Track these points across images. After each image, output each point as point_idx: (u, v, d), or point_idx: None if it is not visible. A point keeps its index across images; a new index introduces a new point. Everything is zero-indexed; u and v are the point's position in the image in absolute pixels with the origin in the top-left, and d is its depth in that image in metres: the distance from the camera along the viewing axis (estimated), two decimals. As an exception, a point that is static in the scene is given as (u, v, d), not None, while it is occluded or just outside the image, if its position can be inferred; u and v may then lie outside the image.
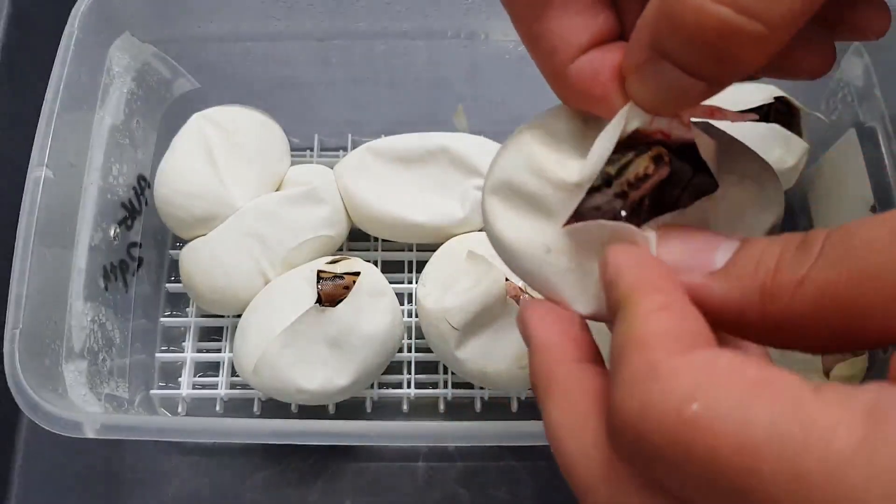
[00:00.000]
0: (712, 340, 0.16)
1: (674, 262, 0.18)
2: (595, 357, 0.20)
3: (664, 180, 0.20)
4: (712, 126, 0.22)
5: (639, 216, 0.20)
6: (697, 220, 0.20)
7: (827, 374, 0.39)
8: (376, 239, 0.46)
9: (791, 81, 0.43)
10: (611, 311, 0.18)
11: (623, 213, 0.20)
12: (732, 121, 0.20)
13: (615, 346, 0.16)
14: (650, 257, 0.18)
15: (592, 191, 0.20)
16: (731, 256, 0.17)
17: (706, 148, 0.20)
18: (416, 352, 0.43)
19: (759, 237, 0.18)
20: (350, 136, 0.49)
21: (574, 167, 0.20)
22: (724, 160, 0.21)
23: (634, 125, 0.19)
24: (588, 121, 0.21)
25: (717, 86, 0.18)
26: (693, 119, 0.20)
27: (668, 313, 0.16)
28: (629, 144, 0.20)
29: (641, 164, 0.20)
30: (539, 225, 0.21)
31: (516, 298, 0.36)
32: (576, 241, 0.20)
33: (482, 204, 0.22)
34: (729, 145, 0.22)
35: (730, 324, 0.17)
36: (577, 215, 0.21)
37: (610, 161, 0.20)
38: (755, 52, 0.17)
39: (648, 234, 0.19)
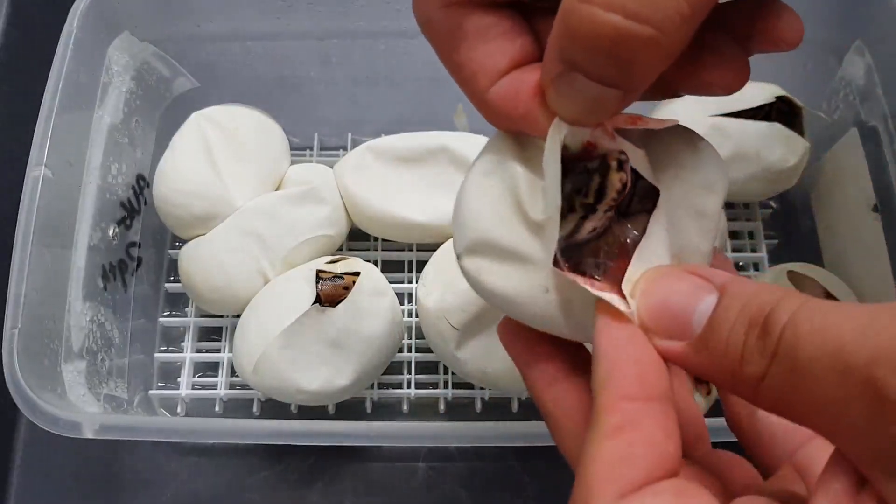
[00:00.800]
0: (660, 461, 0.17)
1: (654, 327, 0.18)
2: (573, 368, 0.21)
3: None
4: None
5: (614, 230, 0.21)
6: (661, 234, 0.20)
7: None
8: (376, 239, 0.46)
9: (793, 80, 0.43)
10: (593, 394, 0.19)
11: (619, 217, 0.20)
12: (654, 128, 0.20)
13: (580, 461, 0.18)
14: (628, 344, 0.19)
15: (582, 219, 0.20)
16: (706, 320, 0.18)
17: (636, 158, 0.20)
18: (416, 352, 0.43)
19: (736, 288, 0.17)
20: (350, 135, 0.48)
21: (537, 204, 0.20)
22: (658, 155, 0.21)
23: (562, 137, 0.19)
24: (525, 143, 0.21)
25: (631, 93, 0.18)
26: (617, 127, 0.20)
27: (619, 440, 0.17)
28: (576, 165, 0.20)
29: (615, 179, 0.20)
30: (529, 269, 0.21)
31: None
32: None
33: (461, 265, 0.21)
34: (661, 135, 0.21)
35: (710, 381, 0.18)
36: (576, 244, 0.20)
37: (582, 191, 0.20)
38: (651, 56, 0.17)
39: (632, 306, 0.19)
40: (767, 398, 0.16)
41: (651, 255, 0.20)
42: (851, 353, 0.14)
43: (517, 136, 0.22)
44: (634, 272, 0.20)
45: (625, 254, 0.20)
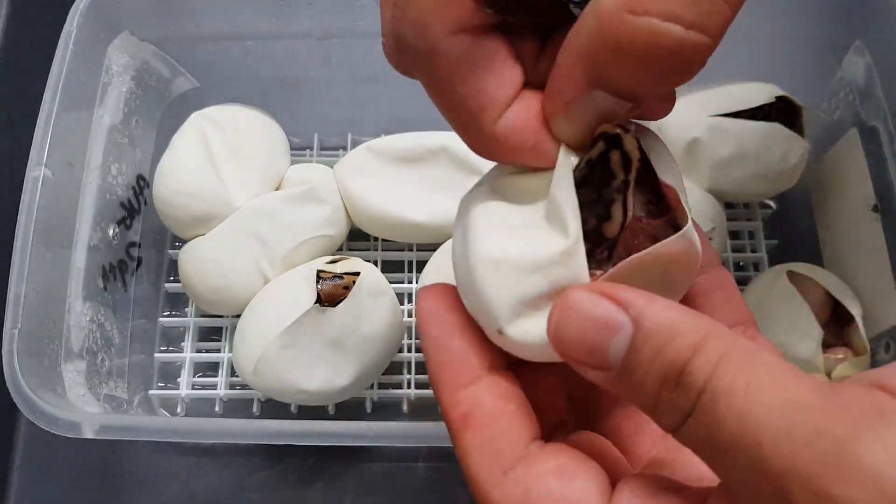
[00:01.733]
0: (514, 427, 0.19)
1: (573, 360, 0.18)
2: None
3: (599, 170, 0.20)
4: None
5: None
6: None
7: (829, 374, 0.39)
8: (376, 239, 0.46)
9: (793, 80, 0.43)
10: None
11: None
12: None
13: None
14: (443, 336, 0.20)
15: (623, 202, 0.20)
16: (621, 358, 0.17)
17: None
18: (416, 352, 0.43)
19: (649, 323, 0.17)
20: (350, 135, 0.48)
21: (555, 234, 0.19)
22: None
23: (573, 166, 0.19)
24: (504, 191, 0.21)
25: (643, 102, 0.18)
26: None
27: (472, 430, 0.19)
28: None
29: (630, 142, 0.19)
30: None
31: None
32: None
33: (509, 339, 0.20)
34: None
35: None
36: (596, 247, 0.20)
37: (605, 182, 0.20)
38: (699, 62, 0.17)
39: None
40: (683, 441, 0.16)
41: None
42: (768, 457, 0.14)
43: (494, 189, 0.21)
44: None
45: (651, 222, 0.20)
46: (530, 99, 0.19)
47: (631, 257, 0.19)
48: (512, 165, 0.21)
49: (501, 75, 0.19)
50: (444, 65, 0.19)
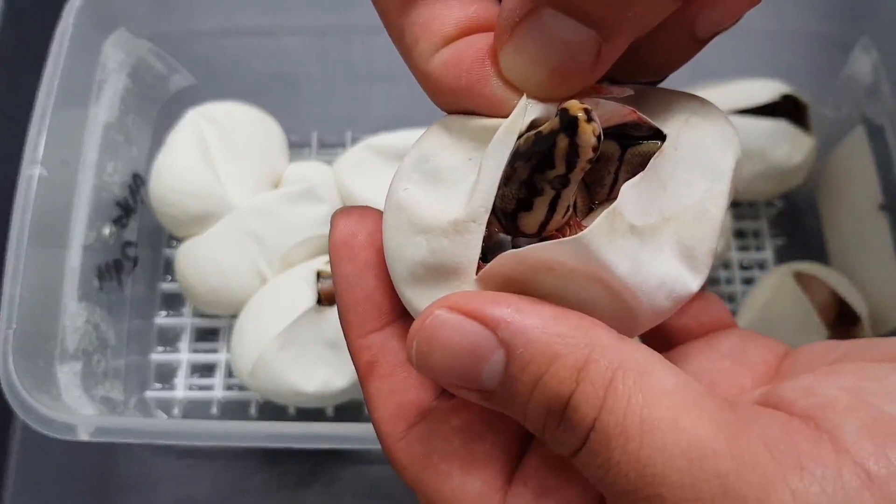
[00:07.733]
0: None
1: (443, 383, 0.16)
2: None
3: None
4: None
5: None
6: (655, 182, 0.17)
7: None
8: (376, 238, 0.45)
9: (798, 77, 0.43)
10: None
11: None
12: (618, 95, 0.17)
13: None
14: (353, 281, 0.19)
15: (552, 202, 0.16)
16: (498, 384, 0.15)
17: (621, 111, 0.17)
18: (416, 352, 0.42)
19: (521, 346, 0.15)
20: (349, 132, 0.48)
21: (464, 200, 0.17)
22: (656, 111, 0.18)
23: (524, 122, 0.16)
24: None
25: (612, 34, 0.15)
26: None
27: (378, 378, 0.18)
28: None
29: (588, 132, 0.15)
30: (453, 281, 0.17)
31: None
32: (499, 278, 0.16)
33: (408, 302, 0.18)
34: (650, 100, 0.18)
35: None
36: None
37: (540, 165, 0.16)
38: None
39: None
40: (577, 466, 0.15)
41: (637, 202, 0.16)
42: None
43: (460, 123, 0.18)
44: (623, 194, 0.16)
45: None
46: (481, 38, 0.17)
47: (499, 256, 0.16)
48: (462, 111, 0.18)
49: (443, 9, 0.17)
50: None
